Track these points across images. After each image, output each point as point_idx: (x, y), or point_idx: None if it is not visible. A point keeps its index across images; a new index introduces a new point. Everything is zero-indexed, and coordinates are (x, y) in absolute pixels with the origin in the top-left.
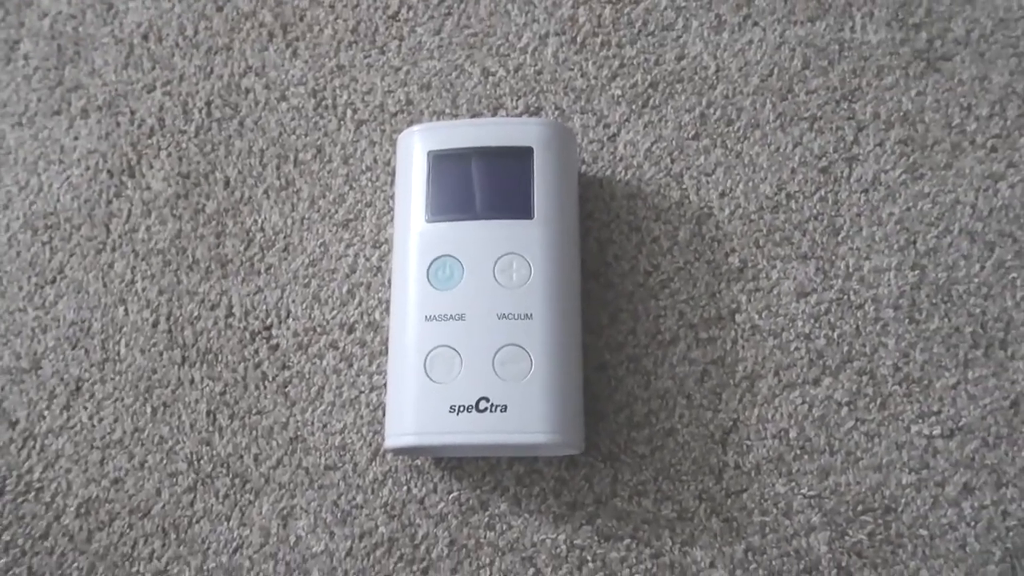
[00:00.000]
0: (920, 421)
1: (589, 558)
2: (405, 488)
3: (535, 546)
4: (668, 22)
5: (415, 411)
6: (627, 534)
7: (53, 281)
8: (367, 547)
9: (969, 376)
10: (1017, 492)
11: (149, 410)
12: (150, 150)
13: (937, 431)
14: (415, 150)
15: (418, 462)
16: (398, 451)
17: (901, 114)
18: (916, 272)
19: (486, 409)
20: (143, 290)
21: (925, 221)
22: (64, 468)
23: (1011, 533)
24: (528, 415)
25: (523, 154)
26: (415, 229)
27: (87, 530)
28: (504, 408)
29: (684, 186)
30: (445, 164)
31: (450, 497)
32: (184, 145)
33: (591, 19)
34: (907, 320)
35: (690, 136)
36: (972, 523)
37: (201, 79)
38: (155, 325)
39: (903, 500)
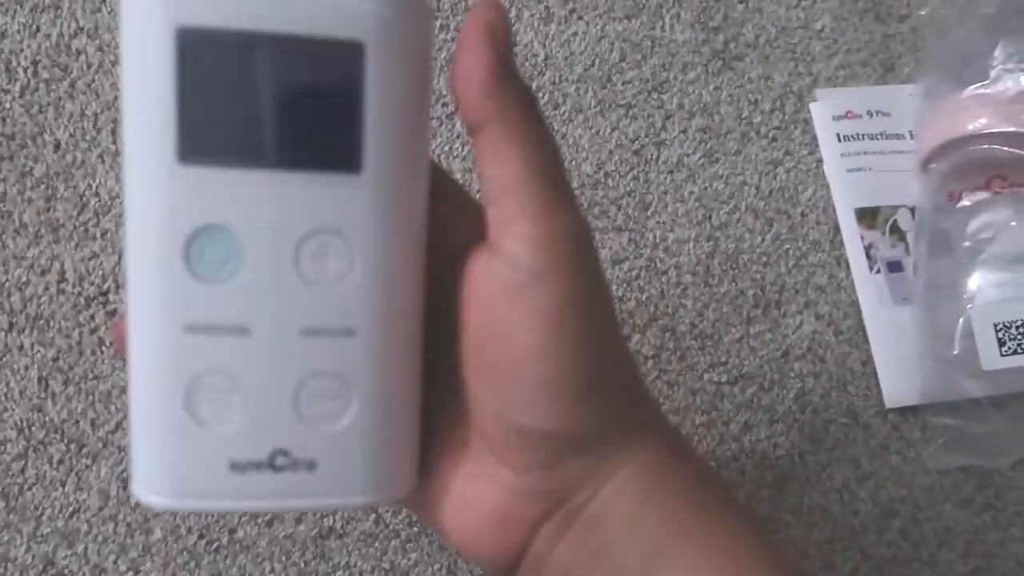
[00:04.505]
0: (711, 370)
1: None
2: None
3: (255, 513)
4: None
5: (177, 464)
6: None
7: None
8: None
9: (751, 331)
10: (784, 427)
11: None
12: None
13: (724, 378)
14: (151, 20)
15: None
16: (156, 509)
17: (701, 105)
18: (711, 243)
19: (285, 467)
20: None
21: (719, 199)
22: None
23: (780, 461)
24: (347, 472)
25: (348, 54)
26: (159, 174)
27: None
28: (311, 465)
29: None
30: (209, 58)
31: None
32: (8, 105)
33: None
34: (703, 284)
35: None
36: (751, 455)
37: (26, 37)
38: None
39: (696, 437)
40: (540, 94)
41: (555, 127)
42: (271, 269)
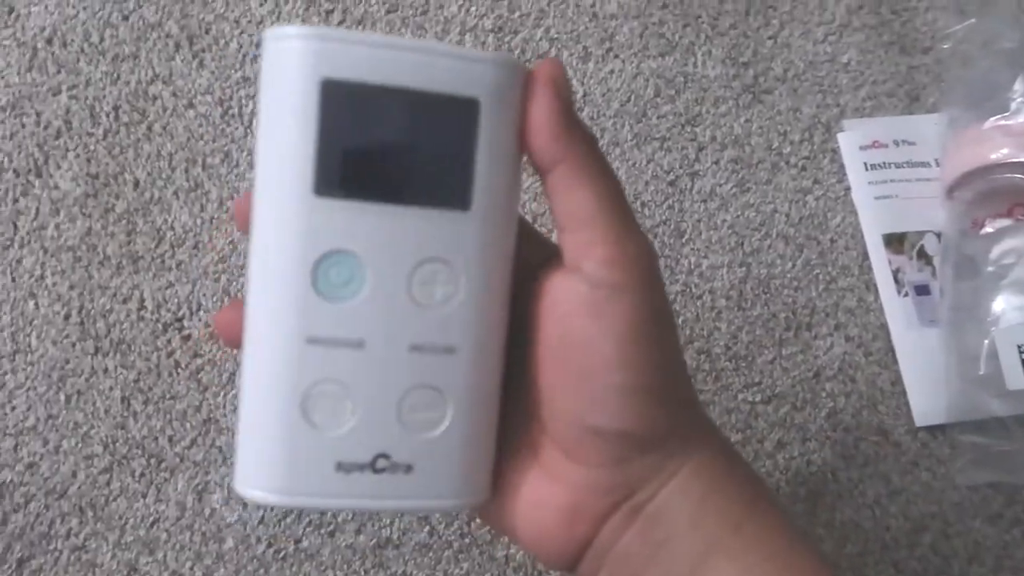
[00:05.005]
0: (745, 390)
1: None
2: None
3: (356, 512)
4: (543, 51)
5: (288, 463)
6: None
7: None
8: (278, 515)
9: (783, 353)
10: (817, 445)
11: (63, 398)
12: (57, 151)
13: (758, 398)
14: (299, 73)
15: None
16: (261, 504)
17: (733, 137)
18: (743, 268)
19: (384, 469)
20: (53, 285)
21: (750, 227)
22: None
23: (813, 477)
24: (438, 477)
25: (464, 109)
26: (296, 206)
27: (2, 512)
28: (408, 468)
29: None
30: (347, 106)
31: None
32: (92, 147)
33: (476, 47)
34: (736, 308)
35: None
36: (784, 471)
37: (108, 84)
38: (67, 318)
39: None
40: None
41: None
42: (388, 291)
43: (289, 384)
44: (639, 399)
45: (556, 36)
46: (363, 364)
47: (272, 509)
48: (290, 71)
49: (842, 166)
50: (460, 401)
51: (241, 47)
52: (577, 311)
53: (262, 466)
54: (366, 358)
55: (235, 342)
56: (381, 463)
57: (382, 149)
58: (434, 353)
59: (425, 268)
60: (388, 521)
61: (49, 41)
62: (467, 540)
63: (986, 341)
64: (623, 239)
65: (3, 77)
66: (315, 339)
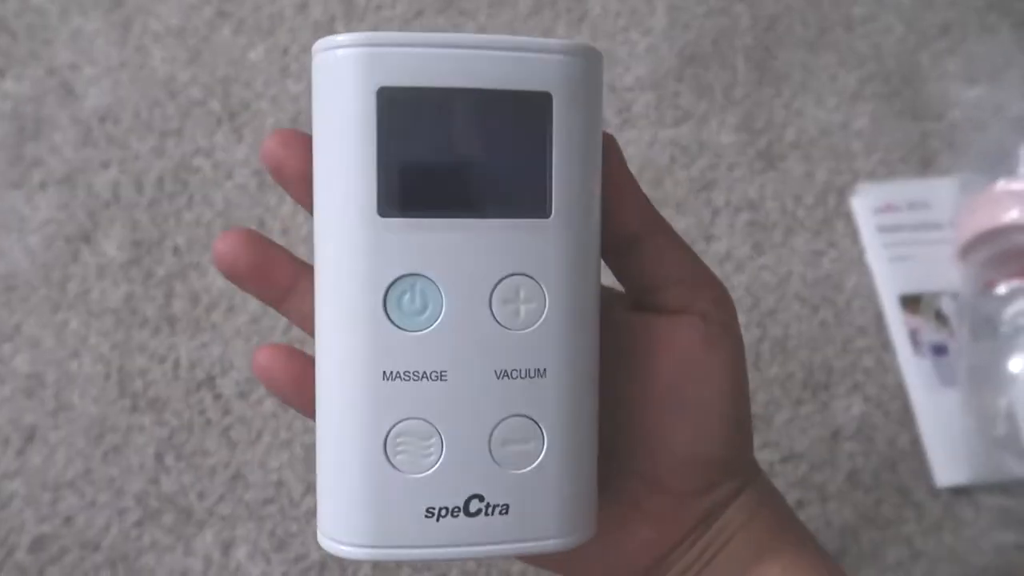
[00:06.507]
0: (764, 449)
1: (495, 574)
2: None
3: (448, 562)
4: None
5: (375, 511)
6: None
7: (10, 338)
8: (301, 570)
9: (800, 412)
10: (837, 505)
11: (100, 453)
12: (105, 220)
13: (777, 457)
14: (353, 83)
15: None
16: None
17: (747, 201)
18: (760, 329)
19: (479, 512)
20: (96, 345)
21: (766, 288)
22: (17, 508)
23: (834, 538)
24: (538, 515)
25: (536, 104)
26: (359, 230)
27: (39, 564)
28: (505, 509)
29: None
30: (407, 114)
31: None
32: (137, 216)
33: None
34: (753, 368)
35: None
36: None
37: (154, 158)
38: (107, 377)
39: None
40: None
41: None
42: (468, 314)
43: (368, 426)
44: (739, 428)
45: None
46: (447, 396)
47: (295, 564)
48: (343, 83)
49: (856, 229)
50: (555, 428)
51: (277, 122)
52: (696, 346)
53: (346, 519)
54: (450, 390)
55: (277, 386)
56: (475, 505)
57: (447, 159)
58: (524, 378)
59: (506, 285)
60: None
61: (102, 119)
62: None
63: (1004, 401)
64: (719, 283)
65: (60, 153)
66: (393, 374)
